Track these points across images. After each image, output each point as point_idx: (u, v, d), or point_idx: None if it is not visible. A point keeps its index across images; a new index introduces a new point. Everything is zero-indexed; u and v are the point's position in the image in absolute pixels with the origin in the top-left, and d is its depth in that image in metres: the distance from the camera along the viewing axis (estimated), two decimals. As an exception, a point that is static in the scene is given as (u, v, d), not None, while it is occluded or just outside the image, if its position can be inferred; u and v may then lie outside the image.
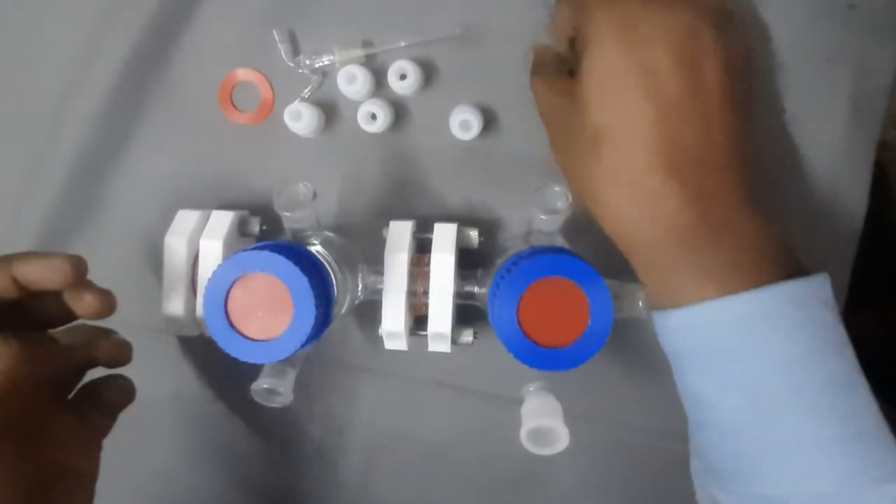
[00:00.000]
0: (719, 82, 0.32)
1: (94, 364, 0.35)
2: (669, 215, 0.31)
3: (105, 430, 0.35)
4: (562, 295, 0.30)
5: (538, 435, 0.34)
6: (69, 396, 0.35)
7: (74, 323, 0.35)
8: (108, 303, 0.33)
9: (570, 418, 0.35)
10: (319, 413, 0.44)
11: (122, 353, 0.35)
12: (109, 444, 0.35)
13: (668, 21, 0.31)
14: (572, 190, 0.33)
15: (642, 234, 0.32)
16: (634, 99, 0.31)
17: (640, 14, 0.32)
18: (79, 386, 0.35)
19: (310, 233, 0.36)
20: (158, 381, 0.43)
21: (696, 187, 0.31)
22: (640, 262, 0.34)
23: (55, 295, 0.32)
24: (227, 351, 0.31)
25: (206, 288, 0.30)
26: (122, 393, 0.36)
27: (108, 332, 0.36)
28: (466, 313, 0.38)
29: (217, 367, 0.44)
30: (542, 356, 0.30)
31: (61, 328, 0.35)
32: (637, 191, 0.31)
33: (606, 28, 0.32)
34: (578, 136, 0.33)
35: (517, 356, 0.30)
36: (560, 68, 0.37)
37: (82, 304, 0.32)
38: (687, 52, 0.31)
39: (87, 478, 0.34)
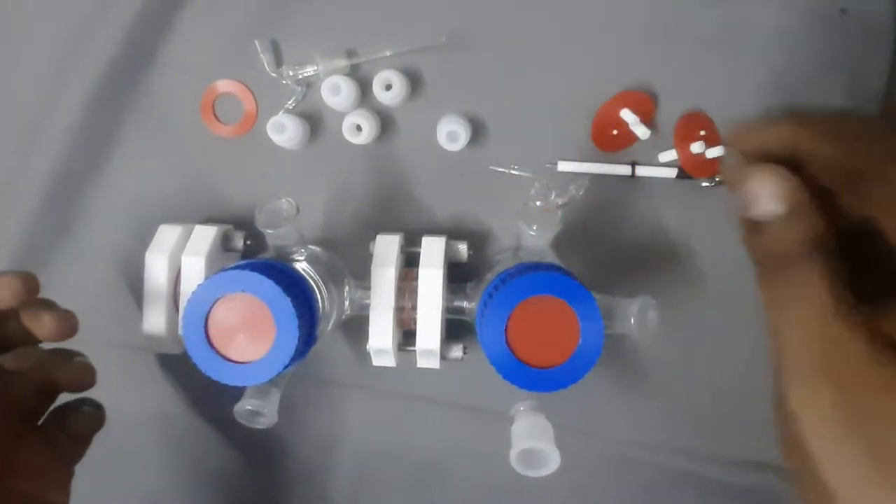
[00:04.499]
0: None
1: (54, 388, 0.32)
2: None
3: (77, 456, 0.33)
4: (551, 314, 0.29)
5: (528, 457, 0.33)
6: (39, 422, 0.32)
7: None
8: (68, 324, 0.31)
9: (562, 432, 0.34)
10: (307, 431, 0.43)
11: (83, 377, 0.32)
12: (91, 465, 0.34)
13: None
14: None
15: None
16: None
17: None
18: (49, 411, 0.33)
19: (294, 248, 0.35)
20: (141, 400, 0.42)
21: None
22: None
23: (13, 317, 0.31)
24: (208, 374, 0.30)
25: (185, 309, 0.30)
26: (89, 419, 0.33)
27: (70, 355, 0.33)
28: (456, 328, 0.38)
29: (201, 385, 0.41)
30: (531, 377, 0.29)
31: (7, 354, 0.32)
32: None
33: None
34: None
35: (506, 377, 0.29)
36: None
37: (41, 325, 0.31)
38: None
39: None
